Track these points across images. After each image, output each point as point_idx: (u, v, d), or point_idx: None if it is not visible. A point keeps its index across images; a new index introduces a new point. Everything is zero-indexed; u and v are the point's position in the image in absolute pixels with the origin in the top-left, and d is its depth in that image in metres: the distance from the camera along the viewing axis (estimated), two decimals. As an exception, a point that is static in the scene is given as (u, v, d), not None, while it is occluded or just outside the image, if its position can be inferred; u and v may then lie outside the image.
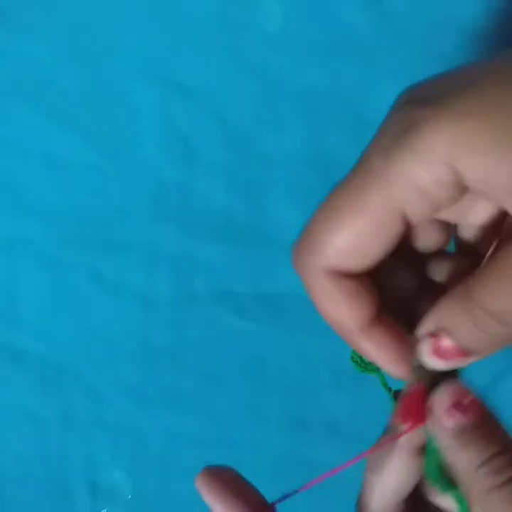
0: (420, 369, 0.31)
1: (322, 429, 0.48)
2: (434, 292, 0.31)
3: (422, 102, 0.28)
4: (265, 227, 0.48)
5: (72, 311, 0.48)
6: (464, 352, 0.29)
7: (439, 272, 0.32)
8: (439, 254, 0.32)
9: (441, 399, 0.30)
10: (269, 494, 0.49)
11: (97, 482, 0.48)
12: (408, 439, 0.31)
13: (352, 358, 0.32)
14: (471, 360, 0.30)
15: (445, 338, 0.29)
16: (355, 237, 0.29)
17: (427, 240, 0.32)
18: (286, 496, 0.31)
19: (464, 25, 0.47)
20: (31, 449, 0.48)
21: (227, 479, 0.32)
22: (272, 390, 0.48)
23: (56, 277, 0.48)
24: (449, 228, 0.32)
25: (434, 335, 0.29)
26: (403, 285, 0.32)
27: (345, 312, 0.31)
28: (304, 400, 0.48)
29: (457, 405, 0.30)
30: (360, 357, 0.31)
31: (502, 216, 0.31)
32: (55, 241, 0.48)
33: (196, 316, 0.48)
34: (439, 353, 0.29)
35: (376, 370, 0.31)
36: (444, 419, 0.30)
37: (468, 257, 0.32)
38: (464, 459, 0.29)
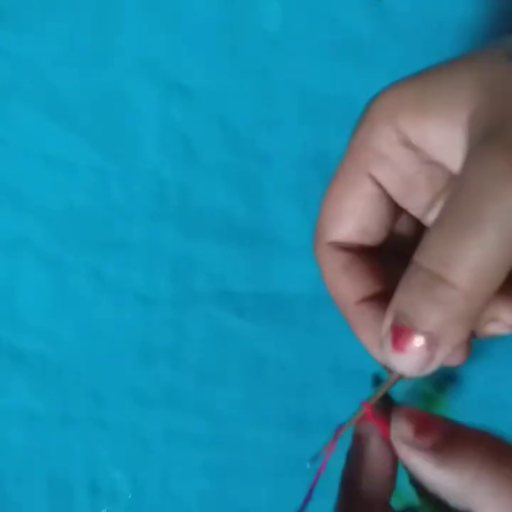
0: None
1: (322, 429, 0.48)
2: None
3: (383, 89, 0.31)
4: (265, 227, 0.48)
5: (72, 311, 0.48)
6: (429, 341, 0.26)
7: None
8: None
9: (401, 430, 0.28)
10: (269, 494, 0.49)
11: (97, 482, 0.48)
12: None
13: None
14: (439, 354, 0.27)
15: (404, 325, 0.26)
16: (346, 215, 0.31)
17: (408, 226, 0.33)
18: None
19: (464, 25, 0.47)
20: (31, 448, 0.48)
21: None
22: (272, 389, 0.48)
23: (56, 277, 0.48)
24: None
25: (393, 327, 0.27)
26: (392, 269, 0.31)
27: (342, 282, 0.31)
28: (305, 400, 0.48)
29: (419, 431, 0.28)
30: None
31: None
32: (55, 241, 0.48)
33: (196, 316, 0.48)
34: (400, 345, 0.27)
35: None
36: (411, 451, 0.28)
37: None
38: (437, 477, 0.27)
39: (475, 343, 0.46)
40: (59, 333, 0.48)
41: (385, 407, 0.30)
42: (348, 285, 0.31)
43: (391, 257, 0.32)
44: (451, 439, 0.27)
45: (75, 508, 0.48)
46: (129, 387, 0.48)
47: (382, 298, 0.30)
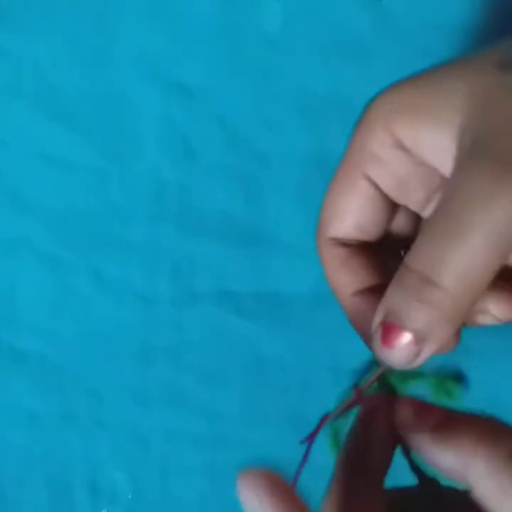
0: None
1: (322, 429, 0.48)
2: None
3: (379, 93, 0.32)
4: (265, 227, 0.48)
5: (72, 311, 0.48)
6: (416, 338, 0.28)
7: None
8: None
9: (404, 413, 0.29)
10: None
11: (97, 482, 0.48)
12: None
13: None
14: (426, 350, 0.28)
15: (393, 323, 0.28)
16: (344, 213, 0.32)
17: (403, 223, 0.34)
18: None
19: (462, 26, 0.47)
20: (31, 449, 0.48)
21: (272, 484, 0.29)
22: (272, 389, 0.48)
23: (56, 277, 0.48)
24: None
25: (383, 324, 0.29)
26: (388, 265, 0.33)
27: (341, 275, 0.33)
28: (304, 400, 0.48)
29: (419, 414, 0.28)
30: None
31: None
32: (55, 241, 0.48)
33: (196, 316, 0.48)
34: (389, 341, 0.28)
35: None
36: (413, 432, 0.28)
37: None
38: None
39: (477, 344, 0.46)
40: (59, 333, 0.48)
41: (383, 392, 0.31)
42: (345, 277, 0.32)
43: (390, 252, 0.34)
44: (448, 421, 0.28)
45: (75, 508, 0.48)
46: (129, 387, 0.48)
47: (378, 291, 0.31)
